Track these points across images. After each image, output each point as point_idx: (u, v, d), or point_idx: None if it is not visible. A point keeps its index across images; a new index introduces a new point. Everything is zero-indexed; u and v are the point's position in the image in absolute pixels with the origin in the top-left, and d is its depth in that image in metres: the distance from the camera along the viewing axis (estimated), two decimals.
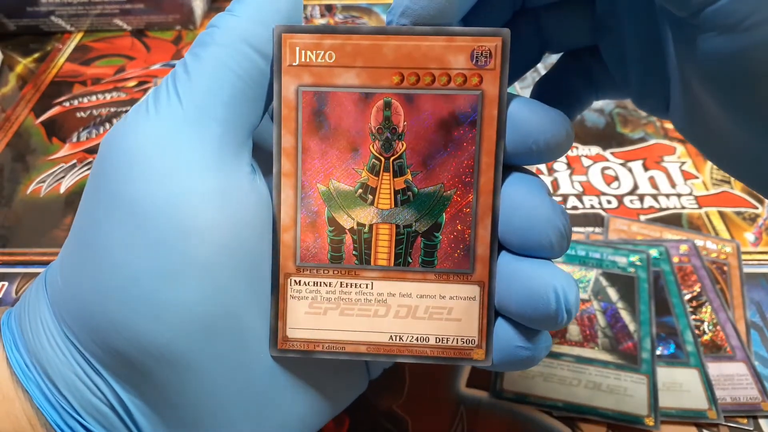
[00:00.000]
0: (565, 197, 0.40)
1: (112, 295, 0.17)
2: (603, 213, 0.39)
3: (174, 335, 0.18)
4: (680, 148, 0.43)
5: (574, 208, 0.39)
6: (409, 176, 0.18)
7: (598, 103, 0.47)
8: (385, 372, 0.23)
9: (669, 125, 0.45)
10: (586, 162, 0.43)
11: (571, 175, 0.42)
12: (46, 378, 0.19)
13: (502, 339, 0.19)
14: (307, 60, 0.18)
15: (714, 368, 0.30)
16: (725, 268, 0.35)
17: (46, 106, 0.48)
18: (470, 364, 0.19)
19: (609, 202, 0.40)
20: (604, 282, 0.34)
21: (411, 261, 0.19)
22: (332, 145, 0.18)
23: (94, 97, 0.48)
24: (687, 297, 0.34)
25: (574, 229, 0.38)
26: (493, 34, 0.18)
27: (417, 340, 0.19)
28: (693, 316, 0.33)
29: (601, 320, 0.32)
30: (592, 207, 0.39)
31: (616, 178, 0.41)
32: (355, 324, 0.19)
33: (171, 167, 0.17)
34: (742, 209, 0.39)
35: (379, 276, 0.19)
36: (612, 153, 0.43)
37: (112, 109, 0.47)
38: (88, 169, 0.42)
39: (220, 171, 0.18)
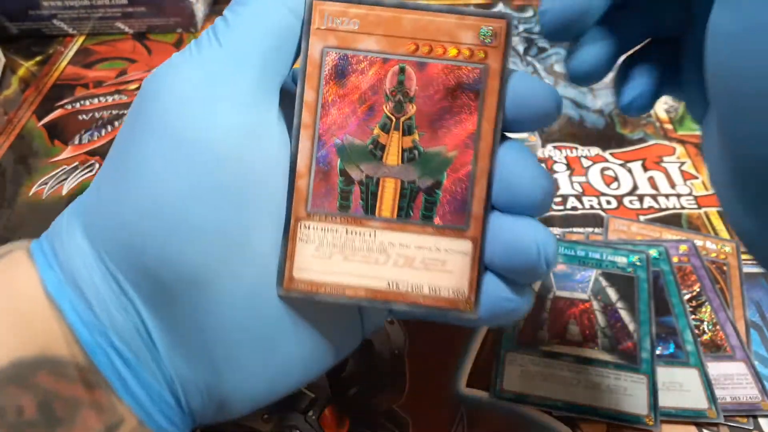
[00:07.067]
0: (565, 198, 0.40)
1: (147, 213, 0.19)
2: (602, 213, 0.39)
3: (200, 255, 0.19)
4: (680, 149, 0.44)
5: (574, 208, 0.40)
6: (416, 136, 0.20)
7: (597, 104, 0.47)
8: (377, 331, 0.23)
9: (668, 126, 0.45)
10: (585, 162, 0.43)
11: (570, 175, 0.42)
12: (80, 297, 0.19)
13: (490, 291, 0.20)
14: (334, 25, 0.20)
15: (714, 368, 0.30)
16: (725, 267, 0.35)
17: (48, 108, 0.48)
18: (459, 315, 0.20)
19: (608, 202, 0.40)
20: (603, 282, 0.34)
21: (412, 214, 0.20)
22: (349, 103, 0.20)
23: (96, 100, 0.49)
24: (686, 297, 0.34)
25: (574, 229, 0.38)
26: (499, 16, 0.20)
27: (412, 289, 0.21)
28: (693, 316, 0.33)
29: (600, 320, 0.32)
30: (592, 207, 0.39)
31: (616, 179, 0.41)
32: (357, 270, 0.20)
33: (210, 102, 0.19)
34: None
35: (382, 226, 0.20)
36: (611, 153, 0.43)
37: (114, 112, 0.47)
38: (90, 171, 0.42)
39: (255, 109, 0.19)
